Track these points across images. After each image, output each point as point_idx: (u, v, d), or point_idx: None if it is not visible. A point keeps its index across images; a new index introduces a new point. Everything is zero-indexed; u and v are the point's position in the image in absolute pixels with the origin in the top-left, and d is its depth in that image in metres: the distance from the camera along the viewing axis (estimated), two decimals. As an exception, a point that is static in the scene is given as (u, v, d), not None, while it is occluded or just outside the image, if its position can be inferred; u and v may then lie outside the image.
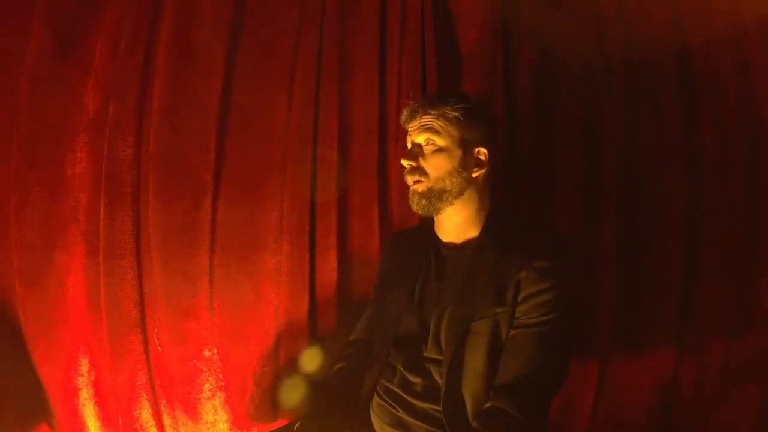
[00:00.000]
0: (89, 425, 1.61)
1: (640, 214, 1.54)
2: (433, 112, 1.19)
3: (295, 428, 1.20)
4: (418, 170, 1.19)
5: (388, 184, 1.59)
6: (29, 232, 1.54)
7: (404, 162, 1.22)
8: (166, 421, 1.61)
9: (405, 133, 1.51)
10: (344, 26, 1.58)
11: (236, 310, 1.57)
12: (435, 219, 1.27)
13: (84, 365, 1.60)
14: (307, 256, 1.55)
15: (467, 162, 1.19)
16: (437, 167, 1.18)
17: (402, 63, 1.56)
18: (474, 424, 1.06)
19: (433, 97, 1.22)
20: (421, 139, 1.20)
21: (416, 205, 1.20)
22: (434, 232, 1.29)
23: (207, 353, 1.58)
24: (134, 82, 1.55)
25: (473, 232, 1.22)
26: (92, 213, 1.57)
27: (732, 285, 1.55)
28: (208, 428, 1.58)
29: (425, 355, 1.18)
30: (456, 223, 1.23)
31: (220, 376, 1.58)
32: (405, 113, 1.25)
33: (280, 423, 1.55)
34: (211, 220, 1.56)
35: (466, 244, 1.22)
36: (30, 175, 1.54)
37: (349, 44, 1.58)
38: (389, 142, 1.58)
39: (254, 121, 1.58)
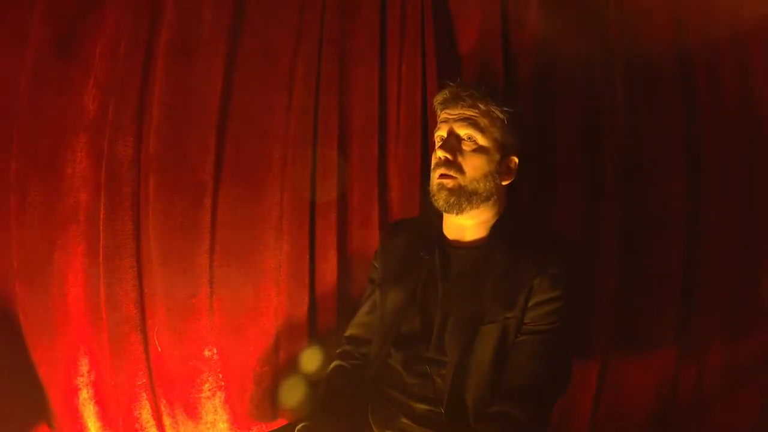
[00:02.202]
0: (89, 425, 1.61)
1: (640, 214, 1.54)
2: (481, 107, 1.14)
3: (297, 429, 1.19)
4: (454, 166, 1.14)
5: (388, 184, 1.59)
6: (29, 232, 1.54)
7: (441, 153, 1.15)
8: (166, 421, 1.61)
9: (405, 132, 1.53)
10: (344, 26, 1.58)
11: (236, 310, 1.57)
12: (445, 217, 1.24)
13: (84, 365, 1.60)
14: (307, 256, 1.54)
15: (501, 168, 1.17)
16: (476, 167, 1.13)
17: (402, 63, 1.55)
18: (478, 427, 1.05)
19: (483, 90, 1.16)
20: (462, 132, 1.15)
21: (442, 201, 1.14)
22: (439, 227, 1.26)
23: (207, 353, 1.57)
24: (134, 82, 1.54)
25: (482, 233, 1.20)
26: (92, 213, 1.57)
27: (732, 285, 1.55)
28: (208, 428, 1.58)
29: (427, 355, 1.16)
30: (469, 225, 1.20)
31: (220, 376, 1.58)
32: (445, 95, 1.18)
33: (280, 423, 1.55)
34: (211, 220, 1.56)
35: (474, 245, 1.20)
36: (30, 175, 1.54)
37: (349, 44, 1.58)
38: (389, 142, 1.58)
39: (254, 121, 1.58)
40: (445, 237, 1.25)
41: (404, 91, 1.55)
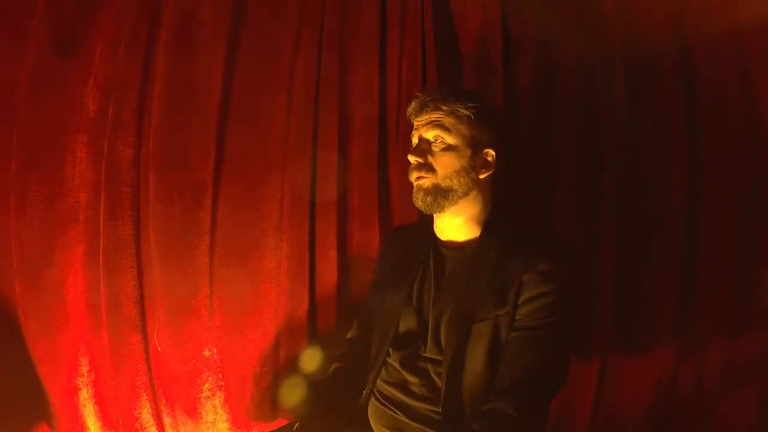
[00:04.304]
0: (89, 425, 1.61)
1: (639, 215, 1.54)
2: (444, 108, 1.17)
3: (294, 429, 1.20)
4: (426, 167, 1.17)
5: (388, 184, 1.59)
6: (29, 232, 1.54)
7: (411, 158, 1.19)
8: (166, 421, 1.61)
9: (405, 132, 1.53)
10: (344, 26, 1.58)
11: (236, 310, 1.57)
12: (435, 217, 1.26)
13: (84, 365, 1.60)
14: (307, 256, 1.55)
15: (475, 162, 1.18)
16: (446, 165, 1.16)
17: (402, 63, 1.55)
18: (473, 425, 1.06)
19: (446, 92, 1.19)
20: (429, 135, 1.18)
21: (420, 202, 1.18)
22: (433, 229, 1.28)
23: (207, 353, 1.58)
24: (134, 82, 1.55)
25: (474, 233, 1.21)
26: (92, 213, 1.57)
27: (732, 285, 1.55)
28: (208, 428, 1.58)
29: (424, 355, 1.17)
30: (457, 223, 1.22)
31: (220, 376, 1.58)
32: (413, 105, 1.22)
33: (280, 423, 1.55)
34: (211, 220, 1.56)
35: (467, 244, 1.22)
36: (30, 175, 1.55)
37: (349, 44, 1.58)
38: (389, 142, 1.58)
39: (254, 121, 1.58)
40: (438, 238, 1.26)
41: (404, 90, 1.55)
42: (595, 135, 1.54)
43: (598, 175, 1.53)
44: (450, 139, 1.16)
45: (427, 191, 1.16)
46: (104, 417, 1.62)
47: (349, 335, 1.41)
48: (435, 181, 1.16)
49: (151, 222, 1.55)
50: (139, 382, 1.57)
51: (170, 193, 1.54)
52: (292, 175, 1.56)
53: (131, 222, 1.56)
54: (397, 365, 1.21)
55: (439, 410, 1.11)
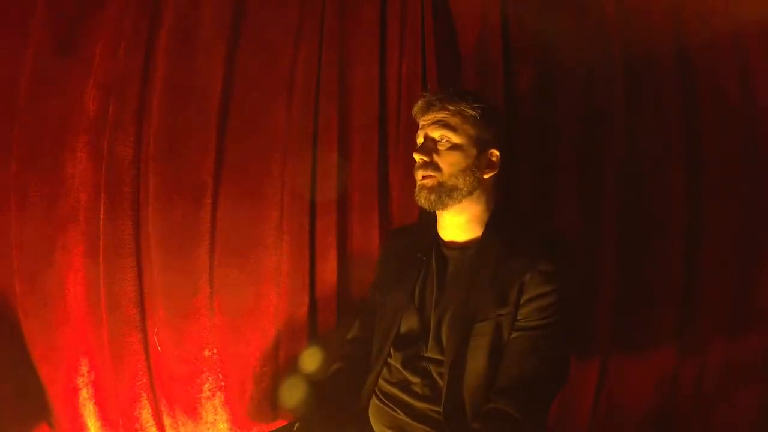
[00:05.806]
0: (89, 425, 1.61)
1: (640, 214, 1.54)
2: (451, 108, 1.18)
3: (294, 429, 1.20)
4: (431, 165, 1.17)
5: (388, 184, 1.59)
6: (29, 232, 1.54)
7: (417, 156, 1.19)
8: (166, 421, 1.61)
9: (405, 132, 1.53)
10: (344, 26, 1.58)
11: (236, 310, 1.57)
12: (438, 217, 1.26)
13: (84, 365, 1.60)
14: (307, 256, 1.55)
15: (480, 162, 1.19)
16: (451, 164, 1.16)
17: (402, 63, 1.56)
18: (474, 424, 1.06)
19: (452, 92, 1.20)
20: (435, 134, 1.19)
21: (424, 200, 1.18)
22: (435, 230, 1.28)
23: (207, 353, 1.58)
24: (134, 82, 1.55)
25: (476, 233, 1.21)
26: (92, 213, 1.57)
27: (732, 285, 1.55)
28: (208, 428, 1.58)
29: (425, 355, 1.17)
30: (460, 223, 1.22)
31: (220, 376, 1.58)
32: (419, 105, 1.23)
33: (280, 423, 1.55)
34: (211, 220, 1.56)
35: (469, 244, 1.22)
36: (30, 175, 1.54)
37: (349, 44, 1.58)
38: (389, 142, 1.58)
39: (254, 121, 1.58)
40: (441, 238, 1.26)
41: (404, 90, 1.55)
42: (595, 135, 1.54)
43: (598, 175, 1.53)
44: (456, 139, 1.17)
45: (431, 189, 1.17)
46: (104, 417, 1.61)
47: (350, 335, 1.41)
48: (440, 180, 1.16)
49: (151, 222, 1.54)
50: (139, 382, 1.57)
51: (170, 193, 1.54)
52: (292, 175, 1.56)
53: (131, 222, 1.56)
54: (398, 365, 1.21)
55: (441, 410, 1.11)
